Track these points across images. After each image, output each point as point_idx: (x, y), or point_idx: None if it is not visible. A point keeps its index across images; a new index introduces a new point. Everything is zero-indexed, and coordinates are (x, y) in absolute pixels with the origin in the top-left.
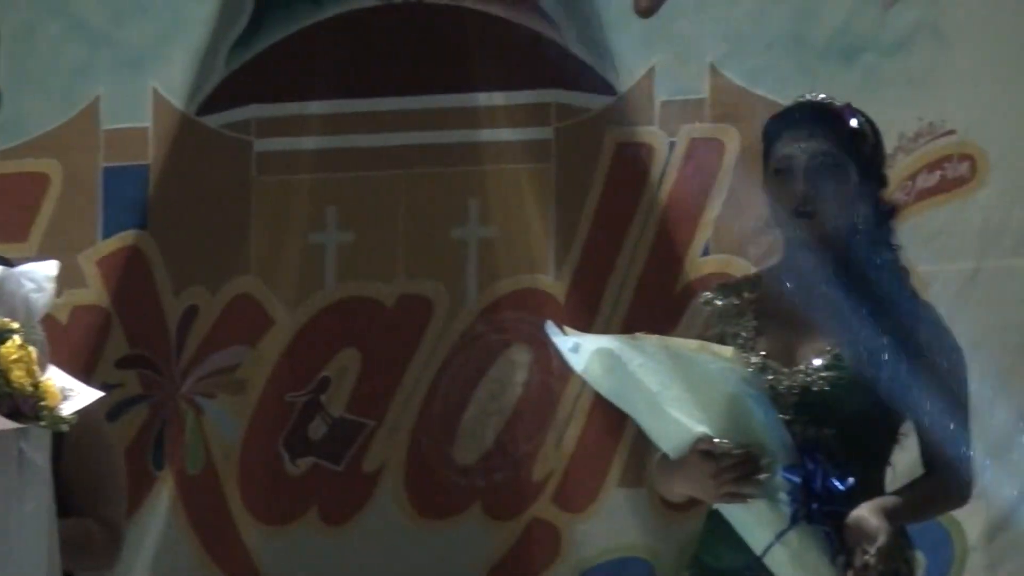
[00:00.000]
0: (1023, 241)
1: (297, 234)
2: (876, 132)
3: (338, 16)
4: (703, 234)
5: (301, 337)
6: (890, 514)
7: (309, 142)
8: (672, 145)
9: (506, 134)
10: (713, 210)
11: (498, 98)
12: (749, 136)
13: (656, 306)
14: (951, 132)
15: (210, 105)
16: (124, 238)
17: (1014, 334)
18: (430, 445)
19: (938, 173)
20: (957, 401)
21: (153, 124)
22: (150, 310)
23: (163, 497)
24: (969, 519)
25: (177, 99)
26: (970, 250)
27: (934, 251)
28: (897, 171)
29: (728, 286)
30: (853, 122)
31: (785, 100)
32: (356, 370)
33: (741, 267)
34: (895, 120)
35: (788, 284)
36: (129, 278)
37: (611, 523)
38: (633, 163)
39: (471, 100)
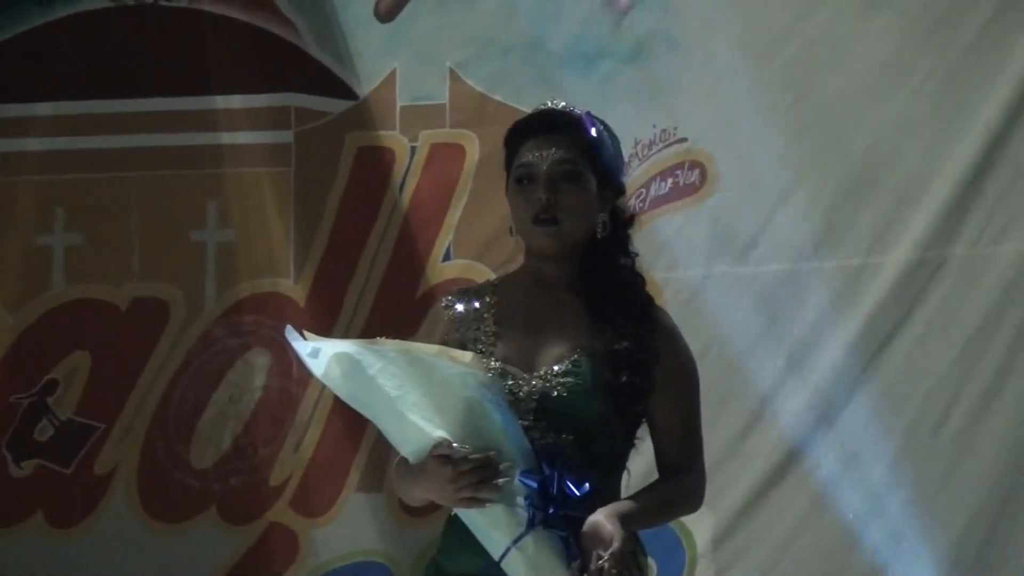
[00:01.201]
0: (750, 248)
1: (21, 235)
2: (615, 140)
3: (69, 17)
4: (444, 239)
5: (25, 339)
6: (625, 519)
7: (35, 143)
8: (413, 150)
9: (245, 137)
10: (454, 215)
11: (236, 101)
12: (489, 142)
13: (397, 310)
14: (683, 140)
15: None
16: None
17: (740, 341)
18: (165, 448)
19: (670, 180)
20: (690, 407)
21: None
22: None
23: None
24: (699, 526)
25: None
26: (700, 257)
27: (666, 258)
28: (632, 179)
29: (468, 291)
30: (592, 130)
31: (524, 106)
32: (86, 372)
33: (483, 272)
34: (630, 127)
35: (528, 290)
36: None
37: (349, 528)
38: (374, 167)
39: (208, 103)
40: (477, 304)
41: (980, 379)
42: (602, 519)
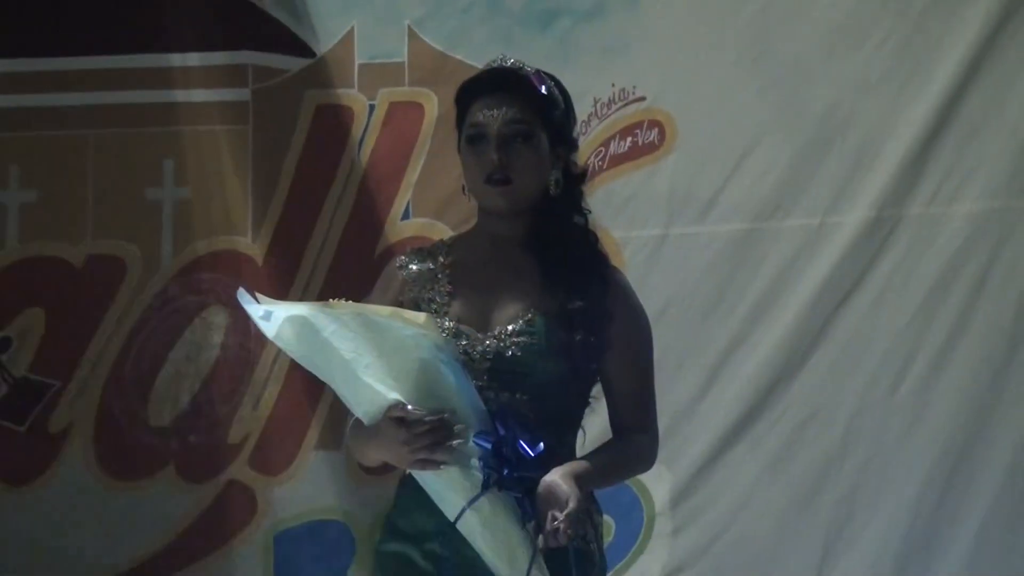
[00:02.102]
0: (709, 208)
1: None
2: (566, 96)
3: None
4: (403, 197)
5: None
6: (580, 479)
7: None
8: (372, 108)
9: (202, 95)
10: (413, 173)
11: (193, 59)
12: (448, 100)
13: (356, 269)
14: (641, 99)
15: None
16: None
17: (698, 300)
18: (122, 406)
19: (629, 140)
20: (643, 366)
21: None
22: None
23: None
24: (657, 485)
25: None
26: (659, 216)
27: (625, 217)
28: (591, 137)
29: (423, 250)
30: (543, 88)
31: (483, 64)
32: (41, 330)
33: (442, 230)
34: (590, 86)
35: (482, 250)
36: None
37: (308, 486)
38: (333, 126)
39: (165, 60)
40: (431, 264)
41: (936, 337)
42: (557, 479)
